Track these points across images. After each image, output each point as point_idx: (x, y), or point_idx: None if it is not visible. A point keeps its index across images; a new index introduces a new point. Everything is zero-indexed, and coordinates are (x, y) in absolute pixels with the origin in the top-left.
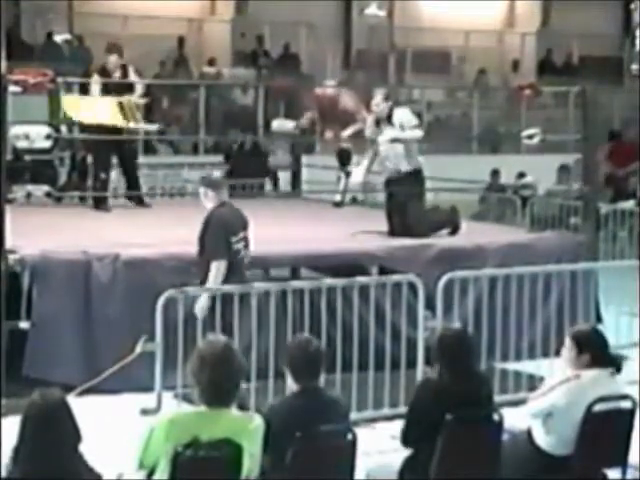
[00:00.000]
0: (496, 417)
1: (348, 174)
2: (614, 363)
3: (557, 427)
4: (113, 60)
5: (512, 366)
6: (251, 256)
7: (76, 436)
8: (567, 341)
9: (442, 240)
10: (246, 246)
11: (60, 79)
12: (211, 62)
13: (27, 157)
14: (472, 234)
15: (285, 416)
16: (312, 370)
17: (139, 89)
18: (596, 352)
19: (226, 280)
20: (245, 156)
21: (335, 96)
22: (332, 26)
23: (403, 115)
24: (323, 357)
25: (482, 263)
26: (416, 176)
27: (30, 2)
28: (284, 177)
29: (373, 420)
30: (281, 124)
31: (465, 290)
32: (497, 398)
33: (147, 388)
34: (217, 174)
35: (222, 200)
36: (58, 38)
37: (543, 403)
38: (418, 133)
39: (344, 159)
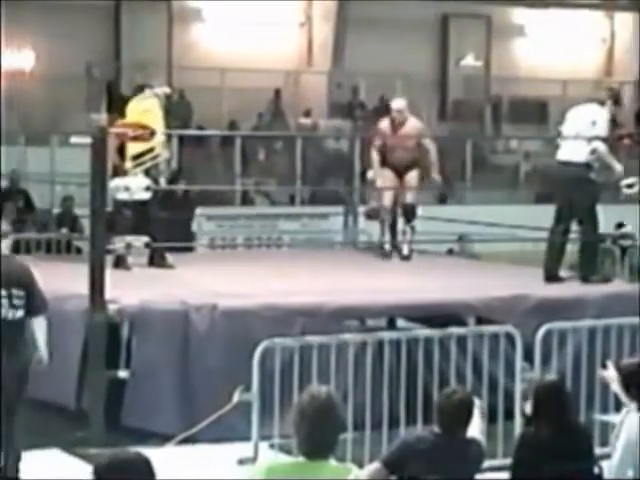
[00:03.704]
0: (596, 470)
1: (413, 228)
2: None
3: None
4: None
5: (613, 418)
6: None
7: None
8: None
9: (540, 291)
10: (13, 306)
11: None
12: (307, 113)
13: (127, 208)
14: (570, 284)
15: (419, 451)
16: (454, 418)
17: None
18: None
19: None
20: None
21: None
22: (428, 77)
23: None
24: (468, 407)
25: (581, 314)
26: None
27: (130, 56)
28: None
29: None
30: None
31: (564, 341)
32: (598, 451)
33: (244, 438)
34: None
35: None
36: (158, 91)
37: (619, 450)
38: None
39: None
